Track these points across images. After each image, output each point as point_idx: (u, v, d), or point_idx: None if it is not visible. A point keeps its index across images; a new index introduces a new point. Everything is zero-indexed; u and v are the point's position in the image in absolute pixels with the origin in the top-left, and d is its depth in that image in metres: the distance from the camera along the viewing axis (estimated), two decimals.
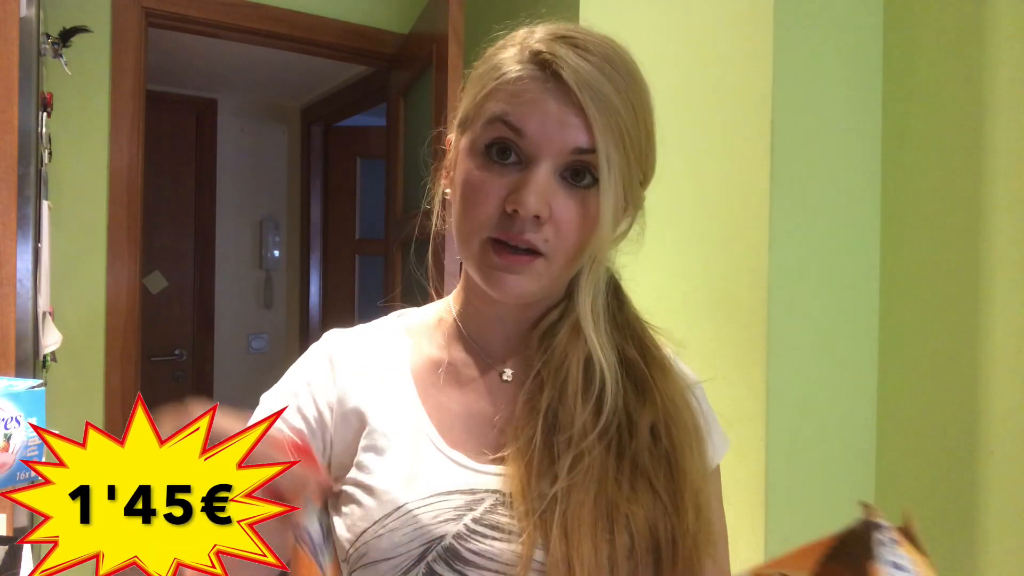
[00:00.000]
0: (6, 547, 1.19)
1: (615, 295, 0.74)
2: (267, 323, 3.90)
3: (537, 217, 0.63)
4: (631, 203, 0.69)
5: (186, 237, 3.69)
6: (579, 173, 0.65)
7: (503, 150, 0.65)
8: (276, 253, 3.88)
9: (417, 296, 0.87)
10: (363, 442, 0.70)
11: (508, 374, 0.73)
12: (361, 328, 0.79)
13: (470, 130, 0.68)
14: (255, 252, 3.88)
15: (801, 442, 1.20)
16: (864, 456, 1.25)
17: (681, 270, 1.28)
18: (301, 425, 0.71)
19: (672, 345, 0.76)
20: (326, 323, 3.69)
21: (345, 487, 0.69)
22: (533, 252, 0.65)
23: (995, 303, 1.08)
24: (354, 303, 3.56)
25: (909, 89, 1.22)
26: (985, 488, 1.08)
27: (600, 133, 0.63)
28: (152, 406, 0.49)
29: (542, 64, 0.64)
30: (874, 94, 1.26)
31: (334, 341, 0.77)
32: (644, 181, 0.70)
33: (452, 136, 0.74)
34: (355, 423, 0.71)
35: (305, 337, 3.71)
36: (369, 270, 3.55)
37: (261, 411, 0.72)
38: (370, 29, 2.63)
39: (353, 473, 0.69)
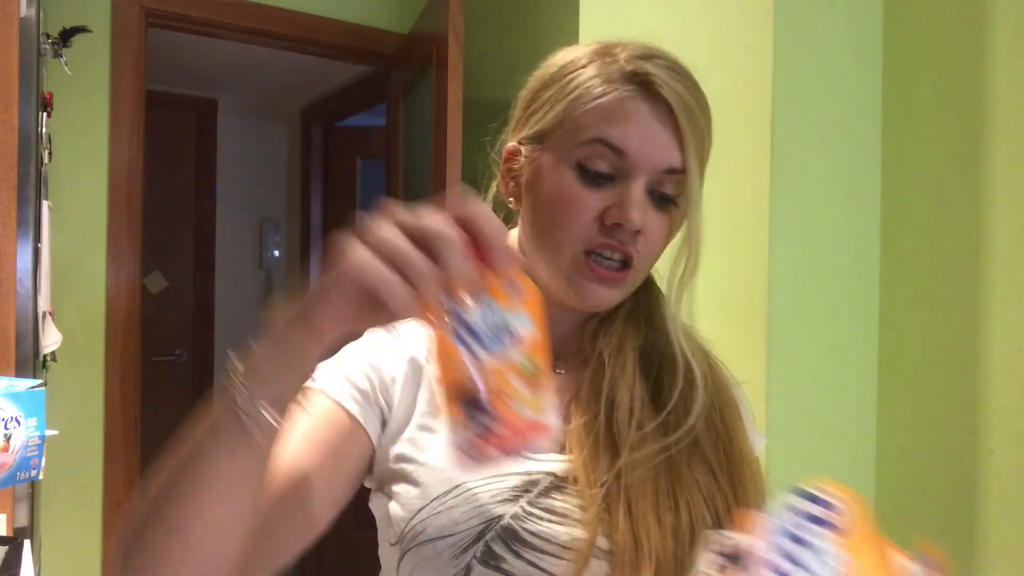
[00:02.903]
0: (6, 547, 1.19)
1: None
2: None
3: (638, 231, 0.67)
4: None
5: (186, 237, 3.69)
6: (664, 194, 0.68)
7: (598, 168, 0.67)
8: (276, 253, 3.88)
9: None
10: (418, 420, 0.70)
11: (562, 367, 0.75)
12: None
13: (558, 146, 0.69)
14: (255, 252, 3.88)
15: (801, 442, 1.20)
16: (864, 456, 1.25)
17: None
18: (359, 395, 0.71)
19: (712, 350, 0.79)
20: None
21: (397, 465, 0.69)
22: (626, 265, 0.68)
23: (995, 303, 1.08)
24: None
25: (909, 89, 1.22)
26: (985, 488, 1.08)
27: (691, 154, 0.66)
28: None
29: (641, 83, 0.66)
30: (874, 94, 1.26)
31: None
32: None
33: (520, 147, 0.73)
34: (420, 387, 0.72)
35: None
36: None
37: (318, 377, 0.72)
38: (370, 29, 2.63)
39: (406, 449, 0.69)
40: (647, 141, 0.66)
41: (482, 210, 0.49)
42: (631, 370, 0.71)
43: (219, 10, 2.41)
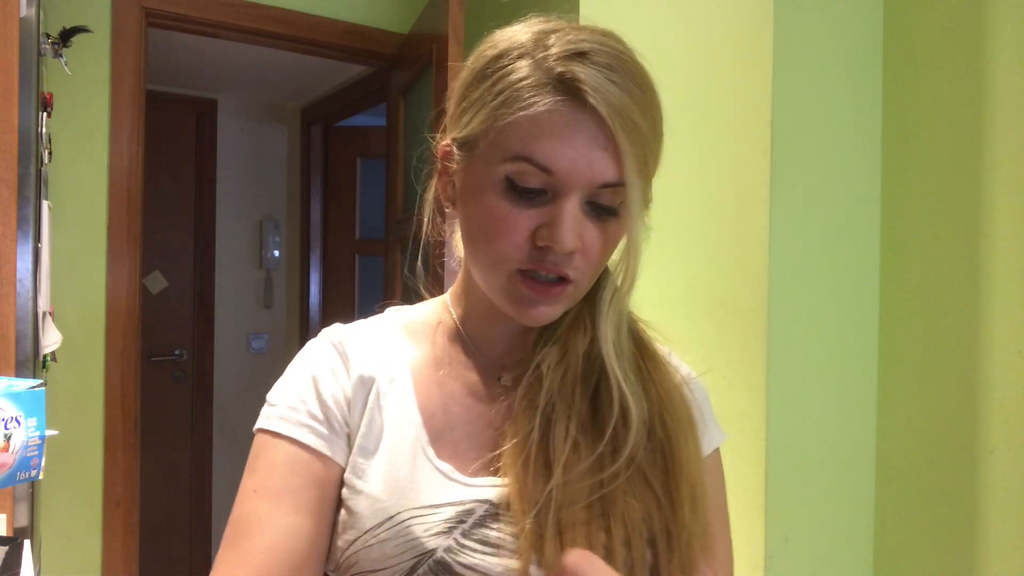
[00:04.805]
0: (6, 547, 1.19)
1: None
2: (267, 323, 3.90)
3: (571, 252, 0.62)
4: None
5: (186, 237, 3.69)
6: (602, 205, 0.63)
7: (528, 184, 0.62)
8: (276, 253, 3.88)
9: (413, 298, 0.87)
10: (359, 442, 0.69)
11: (507, 378, 0.72)
12: (361, 323, 0.78)
13: (485, 157, 0.64)
14: (255, 252, 3.88)
15: (801, 442, 1.20)
16: (864, 456, 1.25)
17: (681, 270, 1.28)
18: (324, 429, 0.69)
19: (665, 343, 0.76)
20: (326, 323, 3.65)
21: (343, 491, 0.68)
22: (564, 280, 0.64)
23: (995, 303, 1.08)
24: (354, 303, 3.56)
25: (909, 89, 1.22)
26: (985, 488, 1.08)
27: (629, 166, 0.61)
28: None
29: (569, 91, 0.60)
30: (874, 94, 1.26)
31: (339, 332, 0.76)
32: (652, 179, 0.69)
33: (448, 144, 0.70)
34: (365, 406, 0.70)
35: (305, 337, 3.70)
36: (369, 270, 3.55)
37: (270, 412, 0.70)
38: (370, 29, 2.63)
39: (348, 475, 0.68)
40: (577, 158, 0.60)
41: None
42: (571, 382, 0.67)
43: (219, 10, 2.41)
